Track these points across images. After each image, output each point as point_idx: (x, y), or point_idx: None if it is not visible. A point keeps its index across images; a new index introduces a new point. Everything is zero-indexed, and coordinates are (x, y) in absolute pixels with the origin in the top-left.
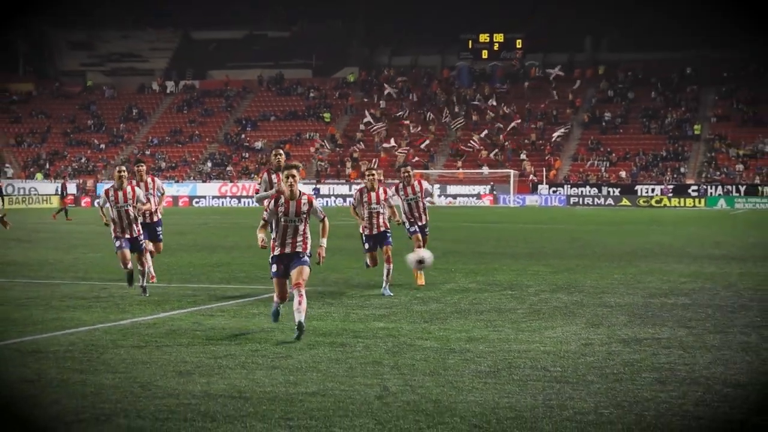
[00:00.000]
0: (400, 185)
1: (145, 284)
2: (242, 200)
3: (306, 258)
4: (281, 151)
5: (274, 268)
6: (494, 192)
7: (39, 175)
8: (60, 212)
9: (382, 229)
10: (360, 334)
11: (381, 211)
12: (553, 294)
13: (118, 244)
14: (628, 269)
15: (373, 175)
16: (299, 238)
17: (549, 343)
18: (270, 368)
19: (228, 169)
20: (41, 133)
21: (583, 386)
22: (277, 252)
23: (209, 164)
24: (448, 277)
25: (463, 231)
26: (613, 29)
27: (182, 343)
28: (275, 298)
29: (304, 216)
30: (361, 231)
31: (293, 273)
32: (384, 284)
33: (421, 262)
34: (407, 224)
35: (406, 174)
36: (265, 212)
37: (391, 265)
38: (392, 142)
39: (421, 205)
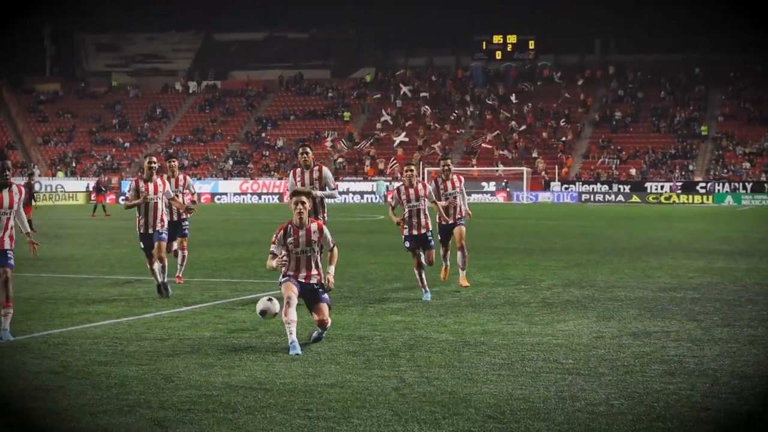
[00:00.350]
0: (439, 179)
1: (165, 279)
2: (262, 197)
3: (324, 294)
4: (308, 150)
5: (286, 278)
6: (508, 189)
7: (60, 173)
8: (103, 208)
9: (423, 231)
10: (377, 327)
11: (421, 208)
12: (565, 288)
13: (141, 245)
14: (638, 264)
15: (411, 170)
16: (314, 271)
17: (561, 335)
18: (289, 360)
19: (249, 166)
20: (67, 132)
21: (595, 378)
22: (290, 274)
23: (230, 162)
24: None
25: (478, 227)
26: (622, 31)
27: (204, 336)
28: (284, 315)
29: (316, 245)
30: (401, 232)
31: (314, 311)
32: (423, 289)
33: (264, 313)
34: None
35: (446, 167)
36: (273, 245)
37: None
38: (402, 136)
39: (458, 200)
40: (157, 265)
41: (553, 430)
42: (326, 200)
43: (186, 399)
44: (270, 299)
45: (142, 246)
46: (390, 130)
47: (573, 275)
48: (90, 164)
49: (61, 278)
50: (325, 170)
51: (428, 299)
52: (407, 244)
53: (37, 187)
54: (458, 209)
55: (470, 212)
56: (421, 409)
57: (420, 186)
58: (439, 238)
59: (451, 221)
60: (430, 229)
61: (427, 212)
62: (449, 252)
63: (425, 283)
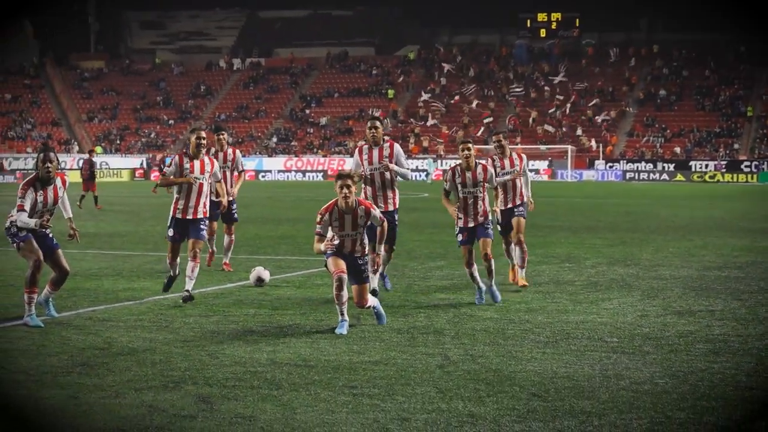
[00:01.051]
0: (495, 158)
1: (191, 289)
2: (307, 174)
3: (367, 273)
4: (377, 123)
5: (332, 252)
6: (552, 167)
7: (99, 149)
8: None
9: (481, 219)
10: (422, 304)
11: (479, 195)
12: (609, 266)
13: (171, 233)
14: (683, 243)
15: (468, 149)
16: (358, 247)
17: (606, 314)
18: (334, 338)
19: (293, 144)
20: (111, 109)
21: (639, 356)
22: (336, 246)
23: (275, 139)
24: None
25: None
26: (667, 9)
27: (249, 313)
28: (335, 297)
29: (362, 228)
30: (455, 223)
31: (354, 292)
32: (484, 286)
33: (260, 280)
34: (498, 216)
35: (497, 143)
36: (318, 225)
37: (492, 262)
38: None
39: (518, 183)
40: (189, 266)
41: (597, 408)
42: (397, 180)
43: (231, 375)
44: (266, 269)
45: (171, 234)
46: (433, 108)
47: (617, 253)
48: (134, 141)
49: (106, 255)
50: (397, 147)
51: (481, 301)
52: (460, 237)
53: (81, 164)
54: (517, 192)
55: (532, 201)
56: (465, 386)
57: (480, 169)
58: (499, 228)
59: (510, 205)
60: (489, 217)
61: (486, 199)
62: (512, 246)
63: (479, 281)
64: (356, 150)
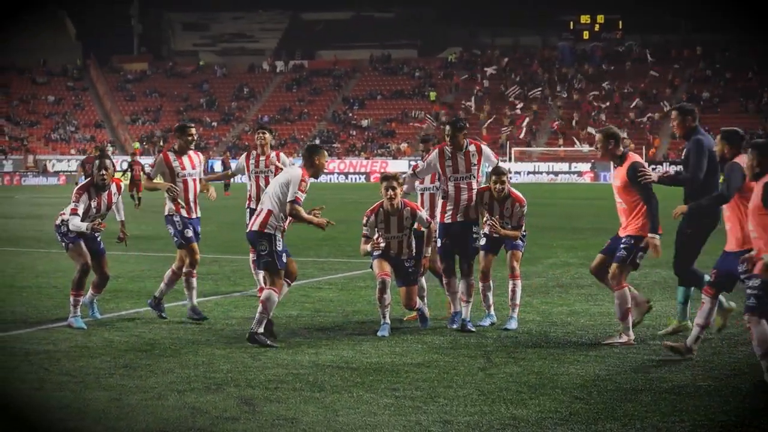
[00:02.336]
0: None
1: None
2: (349, 176)
3: (414, 275)
4: (456, 132)
5: (377, 254)
6: (595, 169)
7: (136, 144)
8: (227, 187)
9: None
10: None
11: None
12: (652, 269)
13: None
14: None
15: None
16: (404, 249)
17: (648, 316)
18: (376, 340)
19: (335, 146)
20: (154, 111)
21: (682, 359)
22: (382, 249)
23: (317, 141)
24: (549, 252)
25: (564, 207)
26: (709, 11)
27: (291, 315)
28: (378, 299)
29: (408, 230)
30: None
31: (402, 294)
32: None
33: None
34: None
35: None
36: (364, 227)
37: (518, 281)
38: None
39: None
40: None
41: (639, 411)
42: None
43: (273, 377)
44: None
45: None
46: (476, 109)
47: (660, 256)
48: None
49: (149, 257)
50: (485, 149)
51: (485, 323)
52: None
53: (124, 165)
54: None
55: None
56: (507, 389)
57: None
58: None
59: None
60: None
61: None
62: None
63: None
64: (435, 151)
